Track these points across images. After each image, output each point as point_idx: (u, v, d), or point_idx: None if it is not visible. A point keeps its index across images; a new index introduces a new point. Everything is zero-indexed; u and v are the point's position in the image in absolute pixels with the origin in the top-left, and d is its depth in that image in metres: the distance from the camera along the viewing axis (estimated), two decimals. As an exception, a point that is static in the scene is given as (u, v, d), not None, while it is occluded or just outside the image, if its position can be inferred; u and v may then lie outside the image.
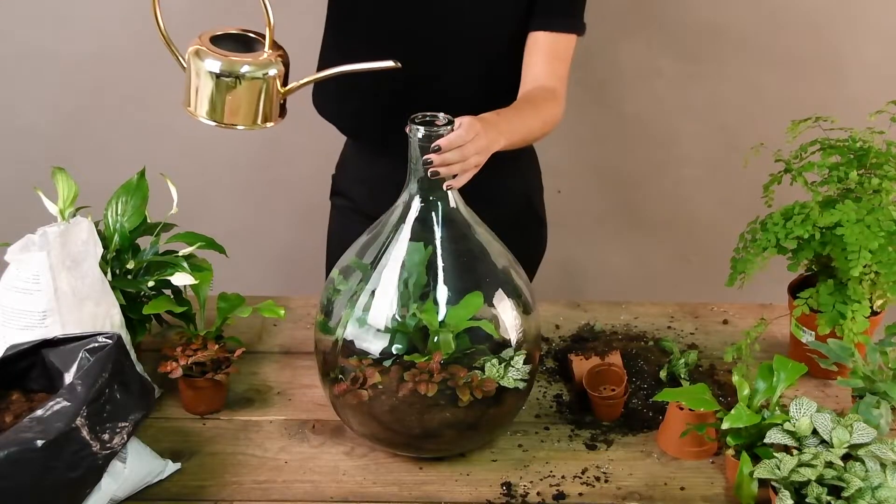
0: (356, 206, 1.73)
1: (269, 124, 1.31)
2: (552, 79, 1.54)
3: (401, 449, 1.33)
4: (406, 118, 1.26)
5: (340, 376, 1.29)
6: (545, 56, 1.54)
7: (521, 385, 1.31)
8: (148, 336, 1.45)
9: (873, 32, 2.25)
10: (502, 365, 1.28)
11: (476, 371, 1.28)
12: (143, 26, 2.24)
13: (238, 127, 1.30)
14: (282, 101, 1.32)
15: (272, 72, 1.28)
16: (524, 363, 1.30)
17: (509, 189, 1.69)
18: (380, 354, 1.27)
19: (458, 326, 1.27)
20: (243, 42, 1.33)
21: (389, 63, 1.27)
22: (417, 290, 1.27)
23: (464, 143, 1.25)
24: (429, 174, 1.25)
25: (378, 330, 1.26)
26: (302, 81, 1.32)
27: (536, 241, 1.81)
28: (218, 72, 1.26)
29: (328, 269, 1.86)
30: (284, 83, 1.30)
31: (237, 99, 1.28)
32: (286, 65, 1.30)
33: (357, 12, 1.58)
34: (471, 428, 1.30)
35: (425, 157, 1.24)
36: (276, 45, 1.31)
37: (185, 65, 1.30)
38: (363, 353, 1.27)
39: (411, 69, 1.54)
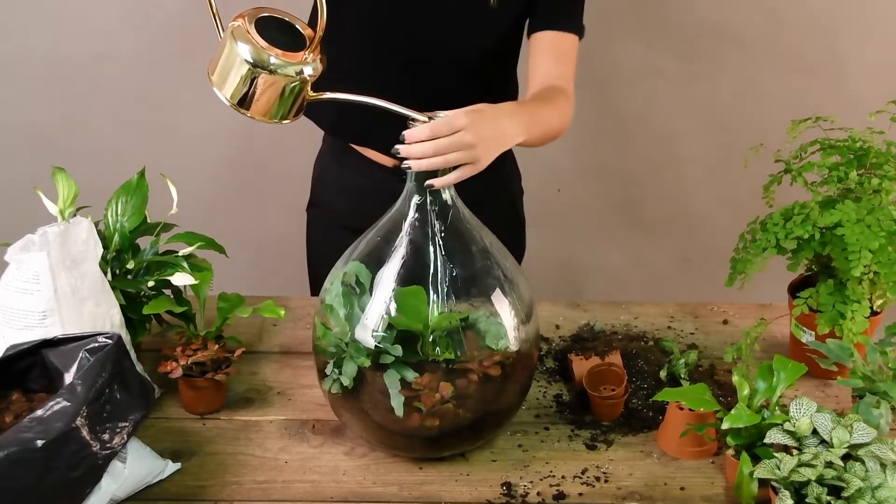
0: (338, 218, 1.72)
1: (284, 121, 1.28)
2: (560, 80, 1.53)
3: (401, 449, 1.33)
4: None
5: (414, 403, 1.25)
6: (551, 56, 1.54)
7: (528, 346, 1.31)
8: (148, 336, 1.45)
9: (873, 32, 2.25)
10: (503, 335, 1.28)
11: (485, 348, 1.27)
12: (143, 26, 2.26)
13: (250, 116, 1.26)
14: (303, 104, 1.29)
15: (304, 75, 1.24)
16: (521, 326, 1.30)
17: (494, 195, 1.69)
18: (377, 355, 1.26)
19: (452, 322, 1.25)
20: (288, 31, 1.27)
21: (423, 117, 1.23)
22: (414, 289, 1.26)
23: (431, 138, 1.21)
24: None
25: (374, 331, 1.25)
26: (332, 96, 1.28)
27: (519, 243, 1.83)
28: (250, 60, 1.22)
29: (311, 279, 1.85)
30: (313, 87, 1.26)
31: (261, 91, 1.24)
32: (320, 70, 1.26)
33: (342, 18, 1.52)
34: (472, 427, 1.30)
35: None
36: (318, 46, 1.26)
37: (221, 34, 1.25)
38: (362, 355, 1.27)
39: (402, 66, 1.53)
